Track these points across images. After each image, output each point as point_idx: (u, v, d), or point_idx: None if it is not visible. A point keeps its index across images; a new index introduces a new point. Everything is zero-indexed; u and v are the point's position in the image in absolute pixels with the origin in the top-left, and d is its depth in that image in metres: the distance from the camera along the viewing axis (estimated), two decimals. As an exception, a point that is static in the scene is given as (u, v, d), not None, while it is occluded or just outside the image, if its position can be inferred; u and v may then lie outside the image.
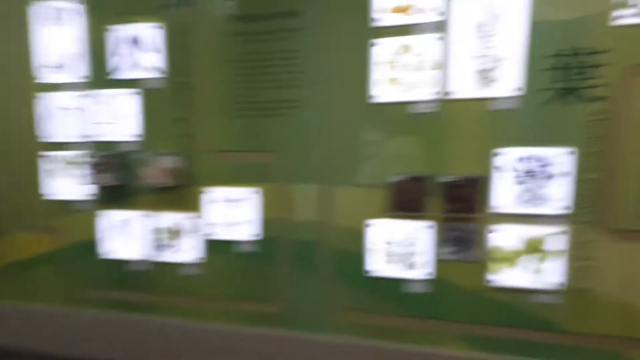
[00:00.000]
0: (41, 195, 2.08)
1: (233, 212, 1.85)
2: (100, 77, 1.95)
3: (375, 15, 1.59)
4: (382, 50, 1.61)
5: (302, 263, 1.79)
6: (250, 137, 1.80)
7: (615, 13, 1.38)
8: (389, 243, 1.67)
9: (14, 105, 2.08)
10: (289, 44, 1.71)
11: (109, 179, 1.94)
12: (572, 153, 1.46)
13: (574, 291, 1.51)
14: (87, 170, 1.99)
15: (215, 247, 1.89)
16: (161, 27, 1.85)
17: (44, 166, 2.07)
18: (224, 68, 1.79)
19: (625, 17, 1.37)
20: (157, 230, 1.96)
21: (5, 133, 2.10)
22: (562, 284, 1.52)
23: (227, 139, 1.83)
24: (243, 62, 1.77)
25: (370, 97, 1.64)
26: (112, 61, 1.93)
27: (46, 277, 2.14)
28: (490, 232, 1.56)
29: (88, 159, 1.98)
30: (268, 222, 1.82)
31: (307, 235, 1.77)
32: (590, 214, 1.47)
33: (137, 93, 1.91)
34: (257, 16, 1.73)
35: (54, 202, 2.07)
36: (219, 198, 1.87)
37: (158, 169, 1.88)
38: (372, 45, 1.62)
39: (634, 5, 1.37)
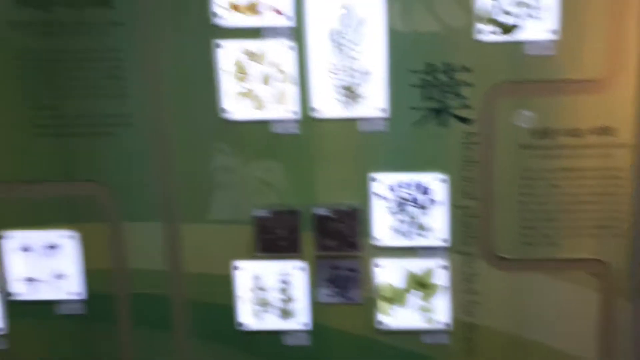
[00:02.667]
0: None
1: (40, 265, 1.25)
2: None
3: (217, 10, 1.14)
4: (228, 54, 1.17)
5: (151, 325, 1.28)
6: (58, 163, 1.22)
7: (478, 28, 1.14)
8: (259, 289, 1.25)
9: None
10: (105, 41, 1.17)
11: None
12: (444, 180, 1.20)
13: (461, 328, 1.27)
14: None
15: (21, 311, 1.27)
16: None
17: None
18: (9, 72, 1.18)
19: (487, 34, 1.14)
20: None
21: None
22: (447, 323, 1.26)
23: (23, 166, 1.22)
24: (38, 62, 1.18)
25: (222, 111, 1.20)
26: None
27: None
28: (376, 266, 1.24)
29: None
30: (93, 275, 1.26)
31: (151, 288, 1.26)
32: (469, 244, 1.23)
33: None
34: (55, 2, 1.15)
35: None
36: (17, 245, 1.25)
37: None
38: (218, 46, 1.17)
39: (494, 22, 1.15)
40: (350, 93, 1.16)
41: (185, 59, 1.16)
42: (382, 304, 1.24)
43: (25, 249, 1.25)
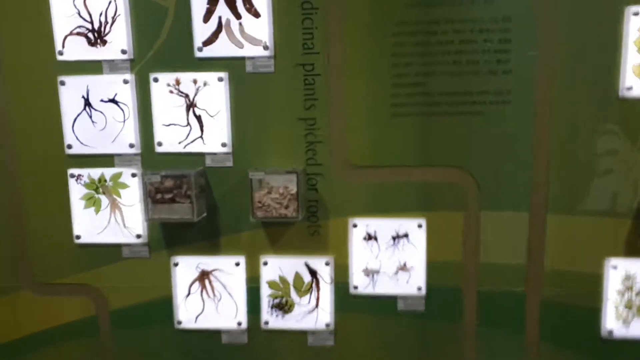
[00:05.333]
0: (71, 235, 1.13)
1: (384, 255, 1.09)
2: (170, 52, 1.07)
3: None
4: None
5: (499, 324, 1.08)
6: (417, 146, 1.05)
7: None
8: (632, 291, 1.03)
9: (30, 95, 1.11)
10: (491, 10, 1.00)
11: (176, 211, 1.06)
12: None
13: None
14: (143, 198, 1.08)
15: (358, 305, 1.11)
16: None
17: (75, 191, 1.12)
18: (376, 44, 1.02)
19: None
20: (266, 284, 1.12)
21: (24, 137, 1.12)
22: None
23: (378, 149, 1.06)
24: (409, 35, 1.02)
25: (623, 89, 0.99)
26: (203, 30, 1.06)
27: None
28: None
29: (144, 181, 1.07)
30: (439, 269, 1.08)
31: (506, 284, 1.07)
32: None
33: (225, 79, 1.06)
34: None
35: (91, 246, 1.13)
36: (362, 234, 1.09)
37: (271, 194, 1.05)
38: (635, 14, 0.96)
39: None
40: None
41: (585, 27, 0.96)
42: None
43: (371, 238, 1.08)
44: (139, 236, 1.12)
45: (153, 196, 1.05)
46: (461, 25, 0.99)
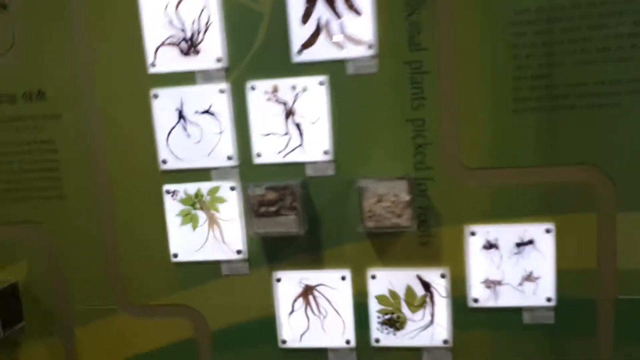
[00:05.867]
0: (168, 254, 1.08)
1: (506, 264, 0.99)
2: (267, 58, 1.01)
3: None
4: None
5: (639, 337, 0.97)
6: (542, 144, 0.96)
7: None
8: None
9: (123, 110, 1.07)
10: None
11: (281, 224, 0.99)
12: None
13: None
14: (247, 212, 1.02)
15: (478, 320, 1.01)
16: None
17: (171, 208, 1.07)
18: (493, 35, 0.93)
19: None
20: (375, 299, 1.04)
21: (117, 153, 1.08)
22: None
23: (497, 149, 0.97)
24: (530, 24, 0.92)
25: None
26: (301, 32, 0.99)
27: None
28: None
29: (247, 194, 1.01)
30: (571, 277, 0.98)
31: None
32: None
33: (325, 83, 0.99)
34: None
35: (188, 264, 1.08)
36: (481, 242, 0.99)
37: (382, 202, 0.97)
38: None
39: None
40: None
41: None
42: None
43: (492, 246, 0.99)
44: (239, 252, 1.06)
45: (257, 209, 0.99)
46: (588, 9, 0.89)
